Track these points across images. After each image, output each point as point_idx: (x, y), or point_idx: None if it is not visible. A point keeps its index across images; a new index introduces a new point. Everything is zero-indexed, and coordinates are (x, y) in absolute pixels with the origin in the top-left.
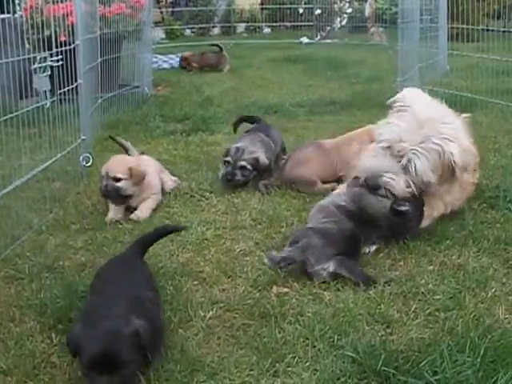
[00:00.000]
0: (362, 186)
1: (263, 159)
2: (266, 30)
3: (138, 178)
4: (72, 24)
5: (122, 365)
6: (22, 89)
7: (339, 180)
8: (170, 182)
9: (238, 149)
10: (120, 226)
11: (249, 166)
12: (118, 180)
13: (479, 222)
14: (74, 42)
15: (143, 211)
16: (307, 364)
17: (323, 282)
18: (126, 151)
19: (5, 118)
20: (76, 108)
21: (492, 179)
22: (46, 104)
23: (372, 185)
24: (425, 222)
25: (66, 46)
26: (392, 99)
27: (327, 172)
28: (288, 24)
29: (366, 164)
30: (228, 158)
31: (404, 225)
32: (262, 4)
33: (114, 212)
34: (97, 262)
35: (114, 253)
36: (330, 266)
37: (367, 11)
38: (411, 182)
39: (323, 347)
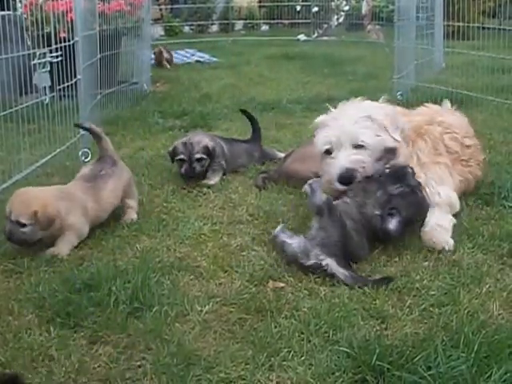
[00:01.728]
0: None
1: (211, 144)
2: (264, 28)
3: (45, 223)
4: (71, 21)
5: None
6: (22, 85)
7: None
8: (132, 210)
9: (185, 144)
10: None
11: (204, 156)
12: (23, 225)
13: (474, 219)
14: (73, 39)
15: (60, 247)
16: (302, 358)
17: (319, 278)
18: (99, 140)
19: (4, 113)
20: (75, 104)
21: (487, 176)
22: (46, 100)
23: (346, 180)
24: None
25: (65, 42)
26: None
27: None
28: (286, 21)
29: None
30: (181, 156)
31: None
32: (259, 2)
33: None
34: (95, 256)
35: (112, 247)
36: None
37: (364, 9)
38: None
39: (318, 342)
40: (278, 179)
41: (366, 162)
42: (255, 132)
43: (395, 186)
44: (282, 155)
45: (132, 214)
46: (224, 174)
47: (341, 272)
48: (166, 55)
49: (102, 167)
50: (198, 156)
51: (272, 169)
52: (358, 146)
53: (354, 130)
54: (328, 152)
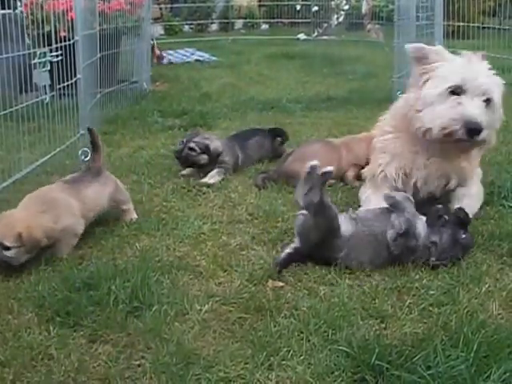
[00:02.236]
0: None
1: (214, 146)
2: (264, 27)
3: (31, 245)
4: (72, 20)
5: None
6: (22, 83)
7: (341, 177)
8: (130, 211)
9: (196, 133)
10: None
11: (198, 149)
12: (7, 248)
13: (474, 218)
14: (73, 38)
15: (59, 248)
16: (301, 358)
17: (318, 277)
18: (95, 150)
19: (5, 112)
20: (75, 103)
21: (487, 175)
22: (46, 99)
23: (475, 132)
24: None
25: (65, 41)
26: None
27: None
28: (285, 21)
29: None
30: (183, 139)
31: None
32: (259, 1)
33: None
34: (94, 255)
35: (112, 247)
36: None
37: (364, 8)
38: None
39: (318, 341)
40: (278, 179)
41: (492, 125)
42: (274, 132)
43: (462, 232)
44: None
45: (131, 214)
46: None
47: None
48: (157, 51)
49: (84, 176)
50: (191, 145)
51: (272, 169)
52: (486, 100)
53: (490, 83)
54: (453, 93)
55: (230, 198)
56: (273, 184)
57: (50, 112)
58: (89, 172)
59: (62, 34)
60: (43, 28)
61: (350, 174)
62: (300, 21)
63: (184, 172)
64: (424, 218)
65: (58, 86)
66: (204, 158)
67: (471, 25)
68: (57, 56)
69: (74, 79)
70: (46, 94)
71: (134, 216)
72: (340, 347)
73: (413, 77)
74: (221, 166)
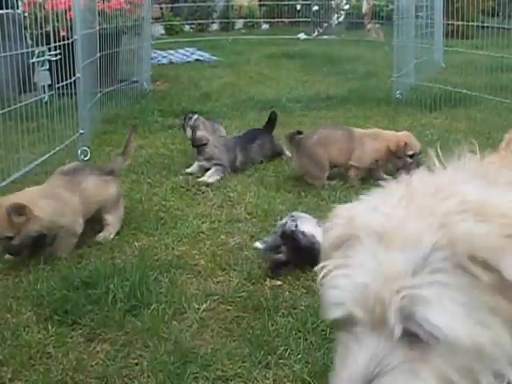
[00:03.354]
0: None
1: (199, 135)
2: (264, 26)
3: (33, 222)
4: (71, 19)
5: None
6: (21, 83)
7: (348, 168)
8: (107, 228)
9: (209, 117)
10: None
11: (192, 122)
12: (11, 238)
13: None
14: (72, 37)
15: (59, 248)
16: (299, 356)
17: (316, 275)
18: (126, 151)
19: (4, 111)
20: (74, 102)
21: None
22: (45, 98)
23: None
24: None
25: (64, 40)
26: None
27: (345, 158)
28: (286, 20)
29: None
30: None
31: None
32: (260, 0)
33: None
34: (93, 254)
35: (111, 246)
36: None
37: (364, 8)
38: None
39: (315, 340)
40: (297, 153)
41: None
42: (269, 125)
43: None
44: (289, 154)
45: (108, 230)
46: (222, 172)
47: None
48: None
49: (88, 168)
50: (194, 117)
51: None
52: None
53: None
54: None
55: (228, 197)
56: (271, 184)
57: (49, 111)
58: (101, 169)
59: (62, 33)
60: (42, 28)
61: (353, 173)
62: (300, 20)
63: (188, 170)
64: None
65: (57, 86)
66: (188, 131)
67: (471, 24)
68: (55, 55)
69: (73, 78)
70: (45, 93)
71: (110, 235)
72: None
73: None
74: (216, 163)
